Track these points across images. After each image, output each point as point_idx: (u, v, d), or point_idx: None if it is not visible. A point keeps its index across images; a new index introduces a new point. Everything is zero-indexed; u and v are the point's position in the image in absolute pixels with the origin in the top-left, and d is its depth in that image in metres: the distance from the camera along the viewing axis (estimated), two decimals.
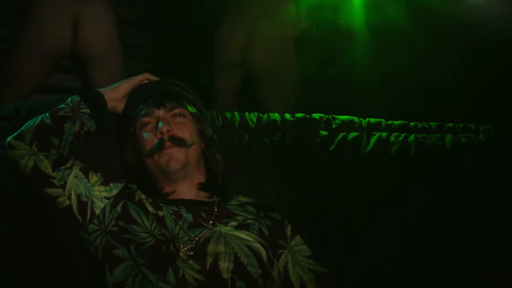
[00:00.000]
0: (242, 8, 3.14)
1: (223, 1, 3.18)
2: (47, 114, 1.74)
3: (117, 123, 1.88)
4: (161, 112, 1.74)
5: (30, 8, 2.72)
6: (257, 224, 1.72)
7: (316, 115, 2.23)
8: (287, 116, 2.21)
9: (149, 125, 1.73)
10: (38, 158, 1.68)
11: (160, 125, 1.70)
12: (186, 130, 1.73)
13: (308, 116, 2.22)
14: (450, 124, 2.24)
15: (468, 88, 3.01)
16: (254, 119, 2.17)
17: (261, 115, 2.20)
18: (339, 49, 3.25)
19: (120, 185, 1.74)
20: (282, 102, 3.08)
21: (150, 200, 1.72)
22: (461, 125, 2.24)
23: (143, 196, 1.72)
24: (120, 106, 1.83)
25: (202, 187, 1.76)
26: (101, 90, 1.82)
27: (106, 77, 2.82)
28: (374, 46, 3.16)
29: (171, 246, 1.61)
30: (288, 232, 1.76)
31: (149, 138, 1.71)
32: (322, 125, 2.19)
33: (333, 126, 2.19)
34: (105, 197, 1.70)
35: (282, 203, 1.90)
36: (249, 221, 1.72)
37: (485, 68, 3.00)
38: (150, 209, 1.69)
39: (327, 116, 2.23)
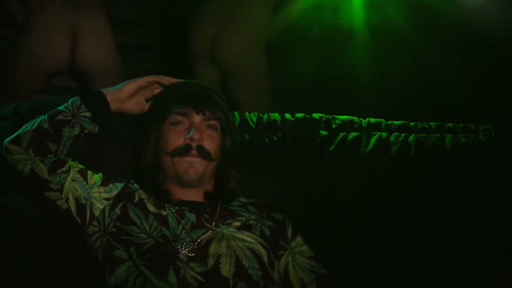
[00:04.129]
0: (215, 8, 3.12)
1: None
2: (45, 117, 1.70)
3: (137, 119, 1.85)
4: (197, 118, 1.71)
5: (25, 25, 2.65)
6: (259, 224, 1.72)
7: (316, 115, 2.23)
8: (287, 116, 2.21)
9: (180, 125, 1.70)
10: (35, 163, 1.66)
11: (192, 132, 1.68)
12: (214, 144, 1.71)
13: (308, 116, 2.22)
14: (450, 124, 2.24)
15: (468, 88, 3.01)
16: (254, 119, 2.17)
17: (261, 115, 2.20)
18: (339, 49, 3.25)
19: (120, 186, 1.73)
20: (253, 102, 3.06)
21: (152, 199, 1.71)
22: (461, 125, 2.24)
23: (143, 196, 1.71)
24: (126, 106, 1.79)
25: (206, 197, 1.74)
26: (105, 90, 1.78)
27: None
28: (374, 46, 3.15)
29: (171, 247, 1.61)
30: (289, 233, 1.75)
31: (176, 139, 1.69)
32: (322, 125, 2.19)
33: (333, 126, 2.19)
34: (105, 198, 1.69)
35: (282, 203, 1.90)
36: (251, 221, 1.72)
37: (485, 68, 3.00)
38: (152, 208, 1.68)
39: (327, 116, 2.23)
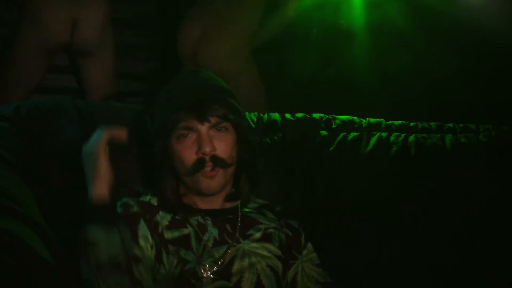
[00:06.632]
0: (204, 9, 3.11)
1: None
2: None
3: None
4: (204, 128, 1.57)
5: (28, 8, 2.74)
6: (277, 233, 1.70)
7: (316, 115, 2.22)
8: (288, 115, 2.21)
9: (188, 138, 1.58)
10: None
11: (202, 145, 1.56)
12: (227, 148, 1.60)
13: (308, 116, 2.22)
14: (450, 124, 2.24)
15: (468, 88, 3.01)
16: (255, 119, 2.17)
17: (262, 115, 2.20)
18: (339, 49, 3.25)
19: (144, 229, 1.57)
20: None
21: (167, 221, 1.61)
22: (461, 125, 2.24)
23: (163, 223, 1.60)
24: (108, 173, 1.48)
25: (228, 198, 1.68)
26: (90, 195, 1.44)
27: (99, 71, 2.89)
28: (374, 46, 3.16)
29: (195, 273, 1.55)
30: (302, 239, 1.73)
31: (188, 156, 1.58)
32: (322, 125, 2.19)
33: (333, 126, 2.19)
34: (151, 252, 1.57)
35: (283, 203, 1.90)
36: (271, 230, 1.69)
37: (485, 68, 3.00)
38: (169, 235, 1.58)
39: (327, 116, 2.23)
